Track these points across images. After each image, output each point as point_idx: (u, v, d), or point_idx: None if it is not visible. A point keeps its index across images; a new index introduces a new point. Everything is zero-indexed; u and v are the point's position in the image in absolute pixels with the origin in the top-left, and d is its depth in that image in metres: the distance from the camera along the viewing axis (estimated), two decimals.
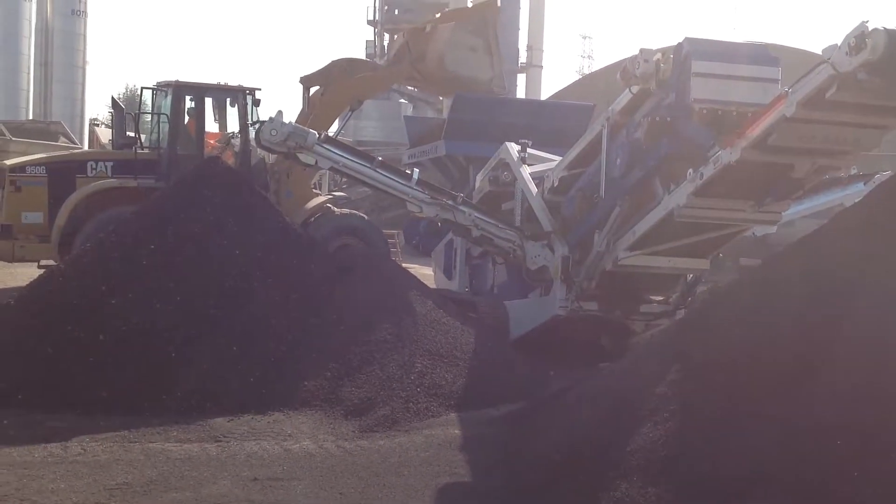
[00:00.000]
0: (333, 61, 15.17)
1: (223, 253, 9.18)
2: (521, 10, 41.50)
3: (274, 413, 7.91)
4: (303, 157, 10.72)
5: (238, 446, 7.15)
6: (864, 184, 11.64)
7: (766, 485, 5.21)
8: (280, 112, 10.69)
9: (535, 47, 46.83)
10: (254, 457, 6.94)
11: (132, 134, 14.40)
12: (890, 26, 6.39)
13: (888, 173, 9.34)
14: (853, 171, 11.91)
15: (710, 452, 5.58)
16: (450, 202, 10.93)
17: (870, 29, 6.40)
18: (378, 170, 10.86)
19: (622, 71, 9.41)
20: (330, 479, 6.50)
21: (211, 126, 14.90)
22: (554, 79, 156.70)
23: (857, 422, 5.14)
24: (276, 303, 8.96)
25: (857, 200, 7.36)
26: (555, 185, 11.13)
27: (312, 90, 15.08)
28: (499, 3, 16.85)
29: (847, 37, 6.54)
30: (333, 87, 14.72)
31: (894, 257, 5.62)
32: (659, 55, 9.06)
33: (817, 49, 7.08)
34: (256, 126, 12.19)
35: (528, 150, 11.83)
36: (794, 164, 8.15)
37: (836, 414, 5.26)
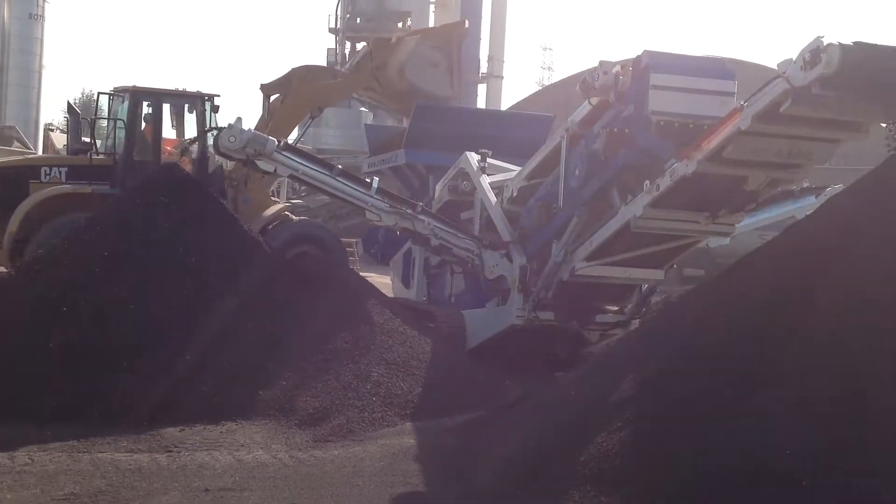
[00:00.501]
0: (294, 69, 15.11)
1: (179, 261, 9.06)
2: (482, 21, 41.63)
3: (227, 423, 7.83)
4: (262, 164, 10.62)
5: (189, 457, 7.05)
6: (816, 197, 11.81)
7: (718, 494, 5.24)
8: (239, 119, 10.62)
9: (496, 58, 47.05)
10: (205, 467, 6.85)
11: (87, 139, 14.20)
12: (845, 41, 6.48)
13: (839, 187, 9.50)
14: (805, 185, 12.06)
15: (663, 462, 5.60)
16: (409, 211, 10.90)
17: (825, 44, 6.48)
18: (338, 178, 10.80)
19: (582, 82, 9.45)
20: (283, 490, 6.43)
21: (168, 132, 14.78)
22: (514, 89, 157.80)
23: (808, 432, 5.18)
24: (232, 311, 8.86)
25: (808, 213, 7.46)
26: (514, 195, 11.16)
27: (272, 97, 15.01)
28: (467, 25, 16.92)
29: (802, 51, 6.62)
30: (293, 94, 14.66)
31: (844, 269, 5.69)
32: (618, 67, 9.11)
33: (773, 63, 7.18)
34: (215, 133, 12.08)
35: (488, 159, 11.84)
36: (748, 176, 8.24)
37: (788, 424, 5.31)
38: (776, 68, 6.90)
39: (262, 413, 8.03)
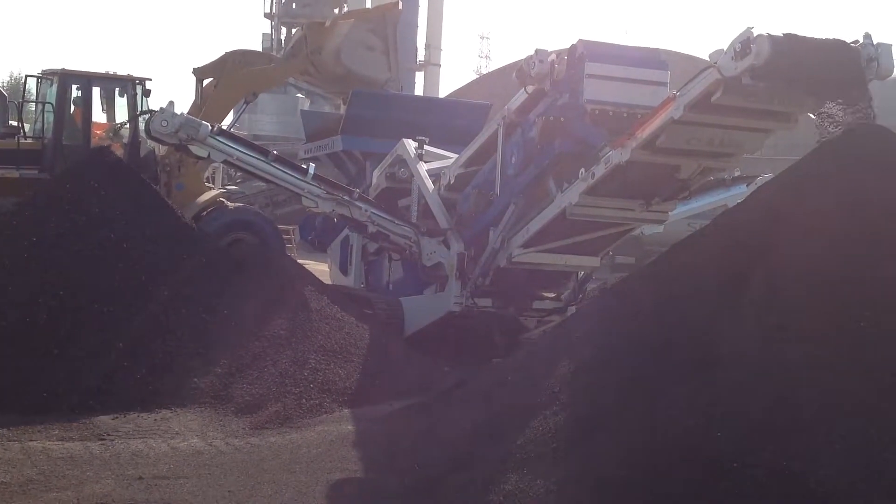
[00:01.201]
0: (228, 53, 14.88)
1: (110, 247, 8.91)
2: (419, 9, 41.53)
3: (161, 411, 7.75)
4: (195, 149, 10.47)
5: (123, 445, 6.96)
6: (747, 185, 12.04)
7: (652, 477, 5.33)
8: (171, 103, 10.44)
9: (433, 46, 46.95)
10: (139, 455, 6.77)
11: (15, 123, 13.85)
12: (774, 33, 6.62)
13: (769, 175, 9.71)
14: (736, 174, 12.31)
15: (599, 446, 5.68)
16: (346, 198, 10.87)
17: (755, 35, 6.61)
18: (273, 164, 10.71)
19: (518, 71, 9.52)
20: (218, 478, 6.39)
21: (99, 116, 14.49)
22: (452, 78, 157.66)
23: (738, 416, 5.29)
24: (166, 298, 8.76)
25: (739, 202, 7.60)
26: (451, 182, 11.20)
27: (206, 82, 14.76)
28: (400, 6, 16.82)
29: (733, 42, 6.74)
30: (227, 78, 14.44)
31: (772, 256, 5.82)
32: (554, 56, 9.19)
33: (705, 54, 7.30)
34: (146, 117, 11.87)
35: (426, 147, 11.85)
36: (681, 165, 8.39)
37: (720, 409, 5.41)
38: (708, 59, 7.02)
39: (198, 400, 7.96)
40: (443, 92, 45.63)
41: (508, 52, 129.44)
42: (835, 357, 5.23)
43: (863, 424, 4.89)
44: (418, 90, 42.93)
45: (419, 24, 43.14)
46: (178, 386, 8.06)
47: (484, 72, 59.88)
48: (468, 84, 41.61)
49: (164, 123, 10.28)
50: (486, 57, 71.48)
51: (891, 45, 6.82)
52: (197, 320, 8.70)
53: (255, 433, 7.44)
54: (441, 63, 48.17)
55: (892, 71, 6.85)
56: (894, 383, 5.01)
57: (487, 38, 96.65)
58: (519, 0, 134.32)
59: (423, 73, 46.01)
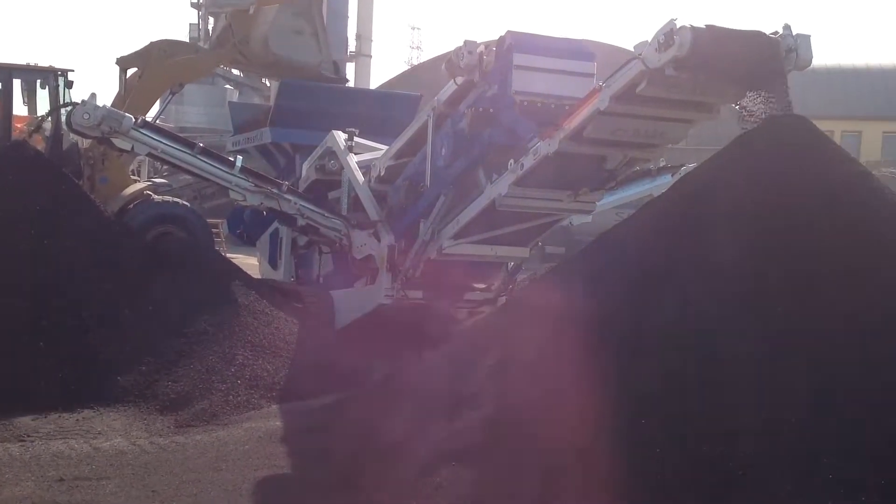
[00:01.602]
0: (152, 42, 14.58)
1: (30, 243, 8.67)
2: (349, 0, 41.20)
3: (83, 410, 7.59)
4: (118, 142, 10.21)
5: (43, 446, 6.78)
6: (672, 175, 12.20)
7: (580, 467, 5.37)
8: (93, 94, 10.21)
9: (364, 36, 46.69)
10: (60, 456, 6.60)
11: None
12: (697, 24, 6.69)
13: (693, 165, 9.84)
14: (662, 164, 12.45)
15: (525, 437, 5.70)
16: (274, 190, 10.72)
17: (678, 26, 6.65)
18: (199, 156, 10.50)
19: (447, 62, 9.47)
20: (142, 477, 6.26)
21: (20, 109, 14.09)
22: (384, 69, 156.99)
23: (667, 401, 5.34)
24: (88, 295, 8.55)
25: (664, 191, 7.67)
26: (381, 174, 11.12)
27: (130, 72, 14.46)
28: None
29: (657, 34, 6.77)
30: (152, 69, 14.15)
31: (695, 244, 5.90)
32: (482, 48, 9.17)
33: (630, 45, 7.34)
34: (68, 109, 11.55)
35: (356, 138, 11.76)
36: (608, 155, 8.45)
37: (647, 394, 5.47)
38: (632, 50, 7.06)
39: (121, 399, 7.81)
40: (374, 83, 45.50)
41: (440, 42, 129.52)
42: (757, 341, 5.31)
43: (785, 408, 4.99)
44: (349, 81, 42.66)
45: (349, 15, 42.83)
46: (100, 385, 7.89)
47: (416, 63, 59.77)
48: (400, 75, 41.61)
49: (86, 116, 10.01)
50: (418, 48, 71.49)
51: (809, 37, 6.92)
52: (120, 317, 8.51)
53: (180, 431, 7.31)
54: (372, 54, 47.95)
55: (811, 61, 6.95)
56: (812, 366, 5.10)
57: (419, 28, 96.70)
58: None
59: (353, 64, 45.74)
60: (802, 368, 5.09)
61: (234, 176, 10.57)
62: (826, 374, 5.04)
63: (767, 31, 6.88)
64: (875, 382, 4.94)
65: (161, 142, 10.41)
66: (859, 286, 5.36)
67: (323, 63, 14.67)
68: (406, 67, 57.48)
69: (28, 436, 6.98)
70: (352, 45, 44.25)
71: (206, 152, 10.64)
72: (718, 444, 5.01)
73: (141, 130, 10.30)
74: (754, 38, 6.78)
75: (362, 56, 46.70)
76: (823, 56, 44.19)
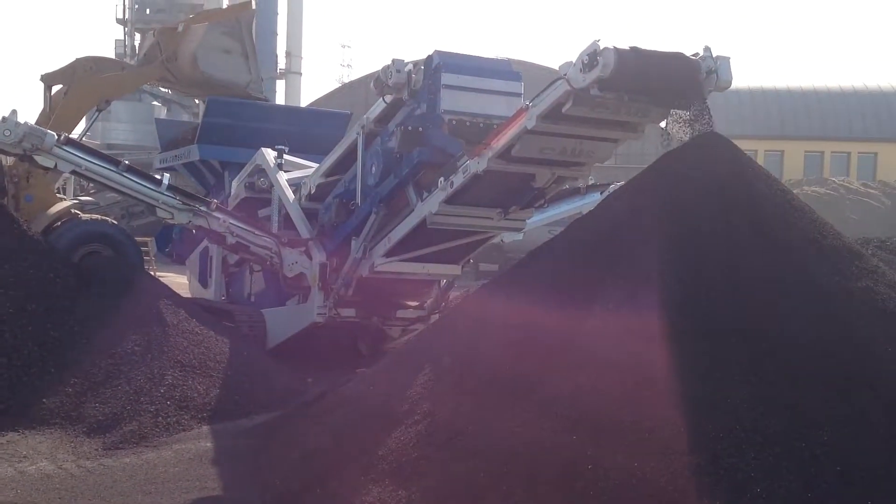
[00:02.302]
0: (78, 59, 14.33)
1: None
2: (278, 17, 41.14)
3: (8, 433, 7.41)
4: (40, 159, 10.05)
5: None
6: (601, 193, 12.40)
7: (511, 483, 5.41)
8: (14, 111, 9.98)
9: (293, 54, 46.66)
10: None
11: None
12: (620, 45, 6.86)
13: (621, 183, 10.04)
14: (591, 182, 12.66)
15: (458, 454, 5.74)
16: (202, 208, 10.65)
17: (601, 48, 6.82)
18: (124, 174, 10.38)
19: (375, 80, 9.56)
20: (69, 502, 6.14)
21: None
22: (315, 86, 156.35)
23: (591, 417, 5.42)
24: (11, 315, 8.36)
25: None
26: (312, 191, 11.13)
27: (55, 89, 14.19)
28: (254, 6, 16.56)
29: (581, 54, 6.93)
30: (78, 86, 13.90)
31: (622, 260, 6.03)
32: (411, 66, 9.27)
33: (556, 65, 7.48)
34: None
35: (285, 156, 11.75)
36: (536, 174, 8.59)
37: (580, 409, 5.54)
38: (558, 70, 7.20)
39: (47, 422, 7.65)
40: (305, 101, 45.44)
41: (371, 60, 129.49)
42: (688, 357, 5.43)
43: (717, 422, 5.10)
44: (279, 99, 42.55)
45: (279, 33, 42.74)
46: (25, 407, 7.72)
47: (346, 80, 59.74)
48: (330, 93, 41.57)
49: (7, 133, 9.84)
50: (348, 66, 71.52)
51: (729, 59, 7.13)
52: (45, 338, 8.34)
53: (108, 454, 7.18)
54: (302, 71, 47.94)
55: (731, 83, 7.16)
56: (744, 378, 5.23)
57: (349, 46, 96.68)
58: (379, 9, 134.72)
59: (283, 81, 45.62)
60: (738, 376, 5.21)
61: (161, 194, 10.47)
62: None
63: (688, 52, 7.09)
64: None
65: (85, 159, 10.27)
66: (781, 300, 5.55)
67: (252, 83, 14.60)
68: (337, 85, 57.43)
69: None
70: (281, 63, 44.16)
71: (131, 170, 10.53)
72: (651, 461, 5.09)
73: (64, 148, 10.15)
74: (676, 60, 6.98)
75: (292, 73, 46.63)
76: (747, 78, 45.56)
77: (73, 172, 10.50)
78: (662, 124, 7.57)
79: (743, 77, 46.90)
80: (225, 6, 41.48)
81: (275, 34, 39.63)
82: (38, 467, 6.80)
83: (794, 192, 6.99)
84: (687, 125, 6.77)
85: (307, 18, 70.06)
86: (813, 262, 5.86)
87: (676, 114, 6.98)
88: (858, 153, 41.25)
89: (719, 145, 6.44)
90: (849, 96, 42.52)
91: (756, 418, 4.96)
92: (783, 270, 5.75)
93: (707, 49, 7.10)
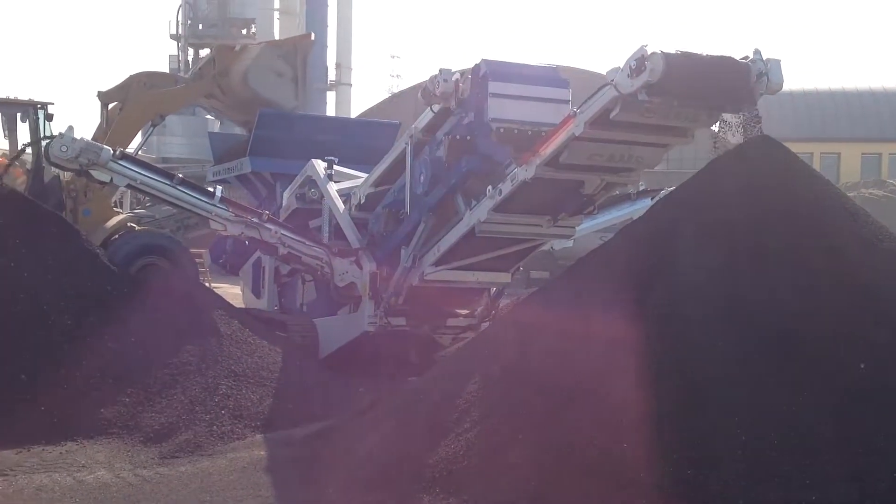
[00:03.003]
0: (132, 75, 14.66)
1: (8, 276, 8.66)
2: (328, 29, 41.54)
3: (67, 443, 7.56)
4: (96, 173, 10.27)
5: (26, 479, 6.75)
6: (652, 199, 12.29)
7: (562, 491, 5.39)
8: (70, 127, 10.28)
9: (343, 65, 47.03)
10: (44, 489, 6.58)
11: None
12: (668, 50, 6.81)
13: (673, 188, 9.96)
14: (641, 188, 12.57)
15: (509, 462, 5.73)
16: (255, 220, 10.77)
17: (649, 52, 6.77)
18: (178, 187, 10.55)
19: (423, 90, 9.59)
20: None
21: (0, 142, 14.10)
22: (365, 97, 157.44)
23: (650, 426, 5.35)
24: (69, 327, 8.55)
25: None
26: (361, 202, 11.20)
27: (111, 105, 14.50)
28: (313, 37, 16.81)
29: (628, 60, 6.89)
30: (132, 101, 14.20)
31: (673, 266, 5.98)
32: (458, 75, 9.29)
33: (604, 70, 7.46)
34: (47, 142, 11.58)
35: (335, 167, 11.84)
36: (585, 180, 8.55)
37: (631, 415, 5.48)
38: (605, 76, 7.17)
39: (105, 431, 7.79)
40: (355, 111, 45.77)
41: (420, 70, 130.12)
42: (738, 369, 5.36)
43: (759, 428, 5.04)
44: (330, 110, 42.94)
45: (329, 44, 43.16)
46: (84, 417, 7.86)
47: (396, 91, 60.08)
48: (380, 103, 41.80)
49: (64, 149, 10.07)
50: (398, 76, 71.98)
51: (779, 61, 7.04)
52: (103, 349, 8.50)
53: (164, 463, 7.29)
54: (352, 82, 48.29)
55: (782, 85, 7.07)
56: (794, 391, 5.16)
57: (398, 57, 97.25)
58: (428, 19, 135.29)
59: (334, 92, 46.03)
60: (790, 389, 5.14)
61: (215, 206, 10.63)
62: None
63: (738, 56, 7.02)
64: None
65: (140, 173, 10.46)
66: (834, 306, 5.46)
67: (297, 110, 14.88)
68: (387, 95, 57.80)
69: (11, 469, 6.95)
70: (332, 75, 44.56)
71: (185, 183, 10.70)
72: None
73: (119, 162, 10.36)
74: (725, 64, 6.91)
75: (342, 84, 47.01)
76: (802, 80, 44.85)
77: (129, 186, 10.70)
78: (715, 128, 7.51)
79: (798, 79, 46.28)
80: (276, 21, 42.07)
81: (325, 46, 39.98)
82: (96, 476, 6.92)
83: (851, 195, 6.89)
84: (738, 129, 6.70)
85: (357, 30, 70.60)
86: (869, 266, 5.75)
87: (727, 118, 6.91)
88: None
89: (771, 149, 6.36)
90: None
91: (809, 427, 4.89)
92: (839, 275, 5.65)
93: (757, 52, 7.02)
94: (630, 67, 6.82)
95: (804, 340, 5.38)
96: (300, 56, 14.75)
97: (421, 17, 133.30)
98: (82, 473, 6.96)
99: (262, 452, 7.51)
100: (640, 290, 6.07)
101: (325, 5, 42.11)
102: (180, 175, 10.87)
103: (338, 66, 46.36)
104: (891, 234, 6.10)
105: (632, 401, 5.57)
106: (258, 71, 14.23)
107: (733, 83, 6.82)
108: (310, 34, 15.69)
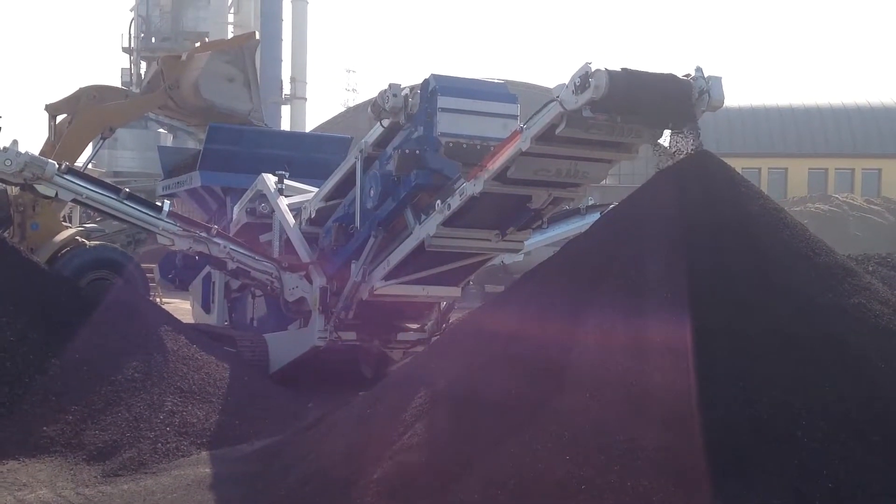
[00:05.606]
0: (82, 88, 14.49)
1: None
2: (283, 43, 41.49)
3: (8, 461, 7.42)
4: (41, 188, 10.13)
5: None
6: (601, 213, 12.40)
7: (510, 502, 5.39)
8: (15, 141, 10.07)
9: (298, 79, 46.95)
10: None
11: None
12: (612, 67, 6.90)
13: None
14: (591, 202, 12.70)
15: (456, 474, 5.73)
16: (203, 234, 10.69)
17: (593, 69, 6.86)
18: (125, 202, 10.44)
19: (372, 105, 9.63)
20: None
21: None
22: (321, 111, 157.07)
23: (598, 436, 5.39)
24: (12, 343, 8.41)
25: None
26: (312, 216, 11.18)
27: (59, 118, 14.33)
28: (258, 36, 16.74)
29: (573, 76, 6.97)
30: (81, 115, 14.04)
31: (613, 277, 6.04)
32: (407, 90, 9.33)
33: (552, 85, 7.52)
34: None
35: (286, 181, 11.81)
36: (532, 195, 8.63)
37: (575, 429, 5.51)
38: (552, 92, 7.24)
39: (47, 450, 7.66)
40: (310, 125, 45.64)
41: (376, 85, 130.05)
42: (680, 372, 5.43)
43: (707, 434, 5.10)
44: (285, 124, 42.82)
45: (283, 59, 43.09)
46: (25, 435, 7.73)
47: (352, 105, 60.12)
48: (336, 117, 41.74)
49: (8, 163, 9.92)
50: (353, 90, 72.03)
51: (720, 78, 7.15)
52: (45, 365, 8.37)
53: (107, 481, 7.18)
54: (307, 96, 48.21)
55: (723, 102, 7.18)
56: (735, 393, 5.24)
57: (354, 71, 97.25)
58: (384, 34, 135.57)
59: (289, 106, 45.93)
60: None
61: (162, 220, 10.53)
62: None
63: (680, 73, 7.13)
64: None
65: (86, 187, 10.34)
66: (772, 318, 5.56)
67: (253, 111, 14.77)
68: (342, 109, 57.81)
69: None
70: (287, 88, 44.46)
71: (132, 197, 10.59)
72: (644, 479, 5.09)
73: (65, 176, 10.23)
74: (667, 81, 7.01)
75: (297, 98, 46.92)
76: (749, 96, 45.58)
77: (75, 201, 10.57)
78: (664, 141, 7.60)
79: (745, 94, 47.03)
80: (231, 34, 41.87)
81: (280, 60, 39.91)
82: (38, 495, 6.81)
83: (798, 209, 7.05)
84: (678, 145, 6.80)
85: (312, 44, 70.66)
86: (805, 279, 5.87)
87: (668, 133, 7.01)
88: (862, 170, 41.17)
89: (711, 164, 6.47)
90: (852, 113, 42.51)
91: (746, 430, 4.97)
92: (775, 288, 5.76)
93: (699, 69, 7.13)
94: (575, 84, 6.90)
95: (736, 350, 5.45)
96: (248, 57, 14.65)
97: (377, 31, 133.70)
98: (23, 492, 6.84)
99: (207, 470, 7.43)
100: (584, 300, 6.13)
101: (280, 19, 42.12)
102: (127, 189, 10.76)
103: (293, 80, 46.31)
104: (827, 248, 6.23)
105: (576, 411, 5.61)
106: (209, 80, 14.13)
107: (675, 100, 6.92)
108: (253, 32, 15.58)
